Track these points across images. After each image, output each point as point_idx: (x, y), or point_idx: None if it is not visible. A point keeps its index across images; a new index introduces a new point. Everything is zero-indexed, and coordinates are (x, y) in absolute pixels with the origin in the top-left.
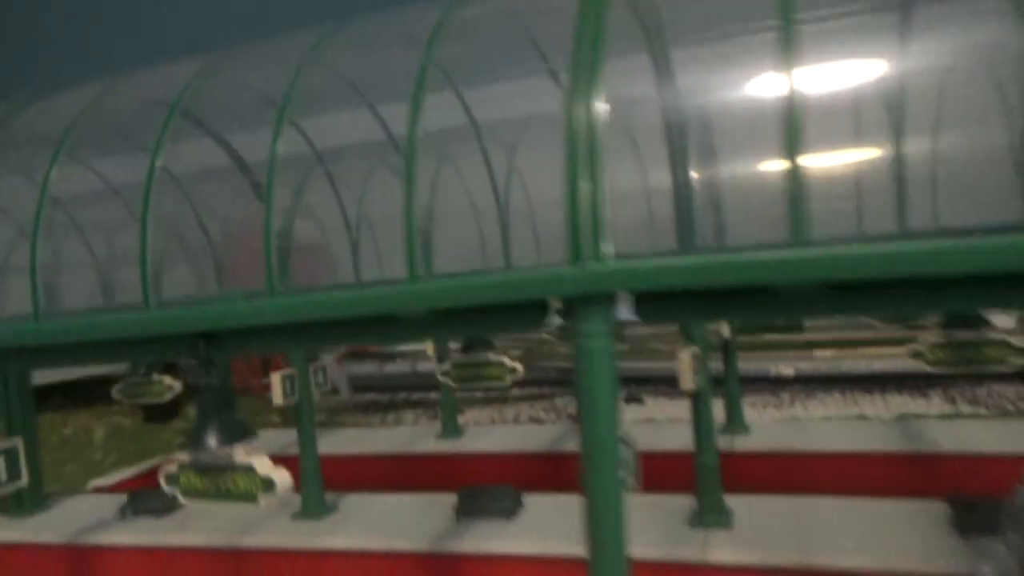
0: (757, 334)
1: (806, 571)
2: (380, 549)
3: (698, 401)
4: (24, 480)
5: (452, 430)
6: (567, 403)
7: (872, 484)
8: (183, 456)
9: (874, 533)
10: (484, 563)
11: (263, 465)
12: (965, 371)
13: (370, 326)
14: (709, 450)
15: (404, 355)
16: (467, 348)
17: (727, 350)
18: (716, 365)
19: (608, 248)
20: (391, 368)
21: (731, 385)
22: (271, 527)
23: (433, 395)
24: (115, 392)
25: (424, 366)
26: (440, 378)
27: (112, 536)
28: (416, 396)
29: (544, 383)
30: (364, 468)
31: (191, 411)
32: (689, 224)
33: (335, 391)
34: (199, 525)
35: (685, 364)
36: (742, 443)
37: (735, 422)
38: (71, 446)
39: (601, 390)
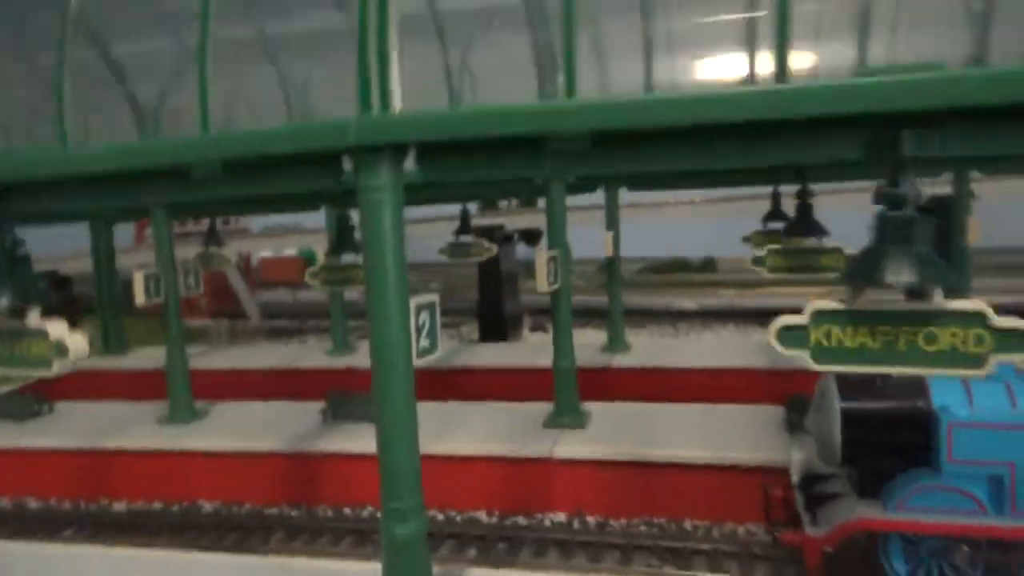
0: (670, 273)
1: (644, 463)
2: (242, 450)
3: (556, 305)
4: None
5: (341, 346)
6: (471, 331)
7: (731, 395)
8: None
9: (714, 432)
10: (346, 461)
11: (57, 329)
12: (801, 278)
13: (161, 180)
14: (566, 356)
15: None
16: (333, 251)
17: (611, 276)
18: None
19: (396, 103)
20: (304, 295)
21: (614, 308)
22: (136, 431)
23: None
24: None
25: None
26: (308, 281)
27: None
28: (327, 323)
29: (457, 313)
30: (251, 381)
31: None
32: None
33: (246, 315)
34: (62, 428)
35: (541, 265)
36: (620, 360)
37: (616, 342)
38: None
39: (387, 245)
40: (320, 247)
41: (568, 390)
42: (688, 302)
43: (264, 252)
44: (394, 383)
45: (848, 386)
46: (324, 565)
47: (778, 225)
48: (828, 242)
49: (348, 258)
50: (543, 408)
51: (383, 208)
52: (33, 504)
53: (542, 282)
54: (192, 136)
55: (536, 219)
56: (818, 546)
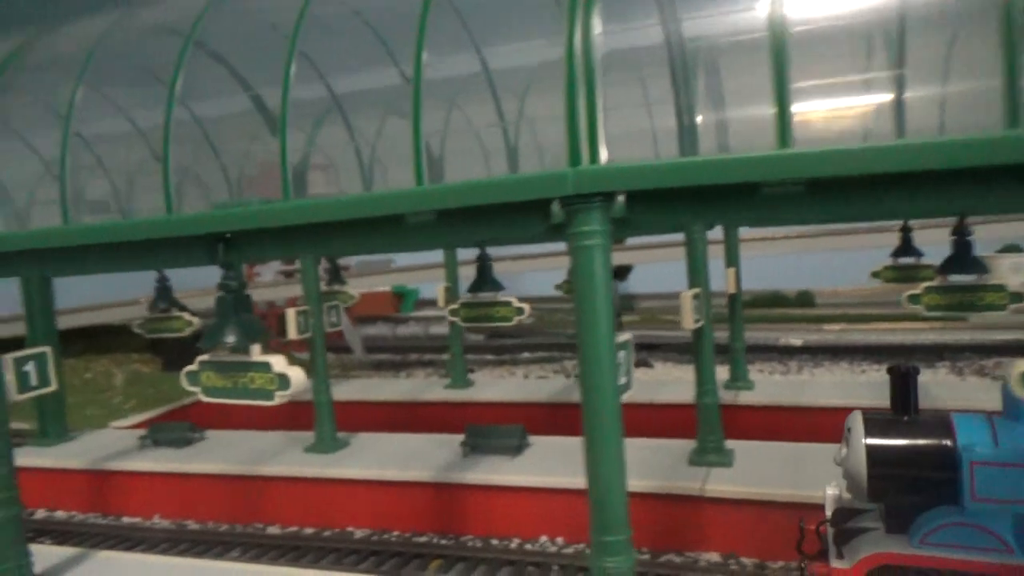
0: (766, 307)
1: (799, 504)
2: (391, 479)
3: (699, 342)
4: (53, 385)
5: (461, 381)
6: (576, 365)
7: None
8: (203, 356)
9: None
10: (490, 494)
11: (279, 363)
12: (960, 315)
13: (378, 228)
14: (709, 392)
15: (417, 319)
16: (476, 288)
17: (732, 313)
18: (722, 334)
19: (603, 153)
20: (403, 330)
21: (737, 345)
22: (284, 459)
23: (445, 356)
24: (136, 327)
25: (436, 328)
26: (448, 317)
27: (133, 463)
28: (428, 357)
29: (554, 347)
30: (377, 413)
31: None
32: (691, 141)
33: (349, 350)
34: (216, 455)
35: (687, 303)
36: (747, 397)
37: (739, 379)
38: (92, 389)
39: (598, 287)
40: (407, 283)
41: (713, 427)
42: (794, 339)
43: (359, 288)
44: (605, 420)
45: (874, 423)
46: None
47: (908, 260)
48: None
49: (487, 296)
50: (684, 445)
51: (595, 252)
52: (192, 525)
53: (688, 320)
54: (410, 188)
55: (621, 256)
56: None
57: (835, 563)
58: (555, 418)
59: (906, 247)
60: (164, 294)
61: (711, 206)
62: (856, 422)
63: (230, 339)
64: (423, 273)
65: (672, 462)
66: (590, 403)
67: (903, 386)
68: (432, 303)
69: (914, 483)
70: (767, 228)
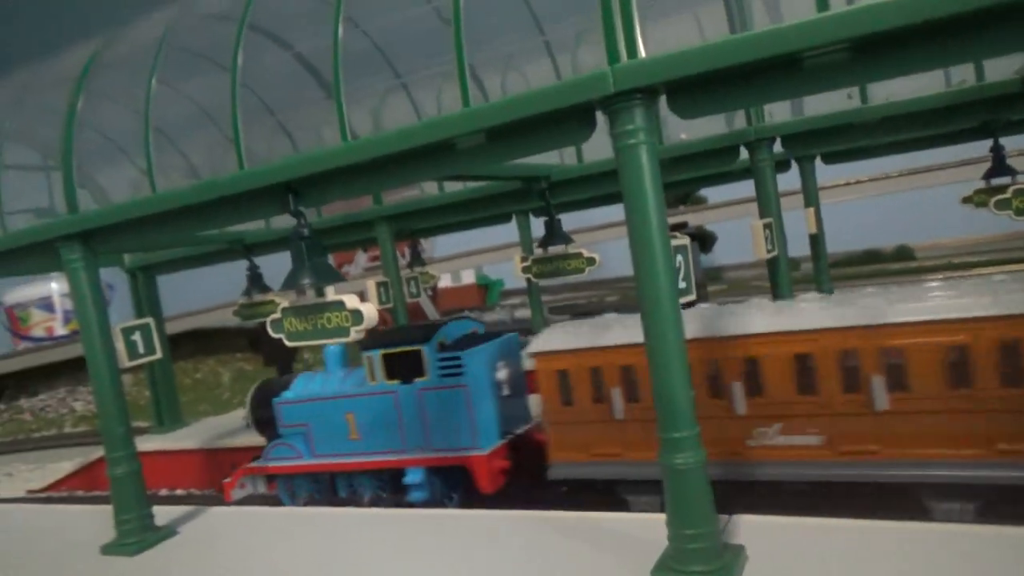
0: (861, 266)
1: None
2: None
3: (775, 273)
4: (158, 353)
5: None
6: None
7: None
8: (283, 303)
9: None
10: None
11: (351, 300)
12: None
13: (431, 157)
14: None
15: (503, 306)
16: (546, 242)
17: (816, 255)
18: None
19: (642, 48)
20: (489, 316)
21: (823, 286)
22: None
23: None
24: (232, 313)
25: (521, 313)
26: (520, 274)
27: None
28: None
29: None
30: None
31: (306, 352)
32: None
33: None
34: None
35: (758, 233)
36: None
37: None
38: (203, 387)
39: (647, 187)
40: (489, 270)
41: None
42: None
43: (444, 281)
44: (663, 320)
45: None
46: None
47: (1003, 180)
48: None
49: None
50: None
51: (640, 150)
52: None
53: (760, 249)
54: (458, 111)
55: (700, 220)
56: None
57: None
58: None
59: (999, 166)
60: (256, 281)
61: (756, 86)
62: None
63: (306, 281)
64: (497, 254)
65: None
66: (648, 306)
67: None
68: (517, 292)
69: (266, 422)
70: (850, 171)
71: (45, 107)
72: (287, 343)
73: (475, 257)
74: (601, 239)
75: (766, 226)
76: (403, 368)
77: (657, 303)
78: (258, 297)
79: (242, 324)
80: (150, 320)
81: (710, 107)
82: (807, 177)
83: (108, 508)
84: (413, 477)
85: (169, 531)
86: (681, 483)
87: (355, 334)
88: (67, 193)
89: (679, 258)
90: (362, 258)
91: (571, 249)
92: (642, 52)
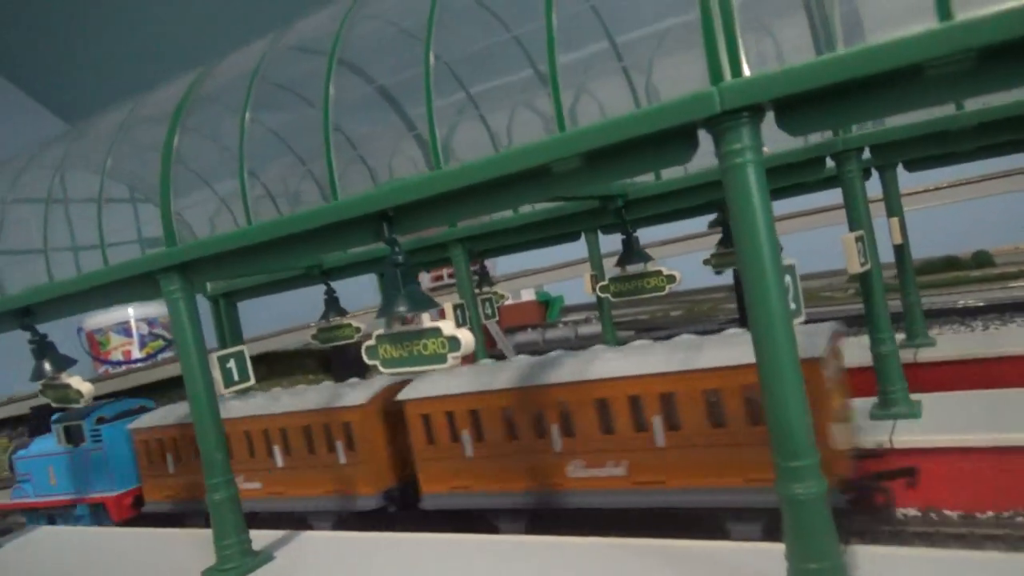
0: (939, 273)
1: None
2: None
3: (868, 288)
4: (252, 380)
5: None
6: None
7: None
8: (378, 330)
9: None
10: None
11: (448, 327)
12: None
13: (528, 181)
14: (886, 340)
15: (565, 322)
16: (624, 261)
17: (901, 265)
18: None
19: (745, 66)
20: (553, 333)
21: (910, 300)
22: None
23: None
24: (311, 337)
25: (585, 329)
26: (599, 295)
27: None
28: None
29: (706, 334)
30: None
31: (374, 374)
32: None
33: (503, 356)
34: None
35: (850, 246)
36: (929, 354)
37: (916, 336)
38: None
39: (756, 207)
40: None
41: (893, 377)
42: (972, 300)
43: (506, 299)
44: (777, 344)
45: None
46: None
47: None
48: None
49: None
50: (861, 403)
51: (748, 169)
52: None
53: (853, 264)
54: (554, 136)
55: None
56: None
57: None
58: None
59: None
60: (333, 304)
61: (873, 99)
62: None
63: (401, 309)
64: (557, 273)
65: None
66: (761, 330)
67: None
68: (576, 308)
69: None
70: (930, 178)
71: (134, 143)
72: (382, 370)
73: (539, 276)
74: (663, 255)
75: (858, 239)
76: (74, 436)
77: (770, 326)
78: (335, 320)
79: (311, 346)
80: (243, 348)
81: (822, 123)
82: (890, 185)
83: (206, 533)
84: (80, 511)
85: (267, 556)
86: (801, 514)
87: (452, 360)
88: (165, 227)
89: (787, 278)
90: (425, 279)
91: (650, 267)
92: (746, 70)
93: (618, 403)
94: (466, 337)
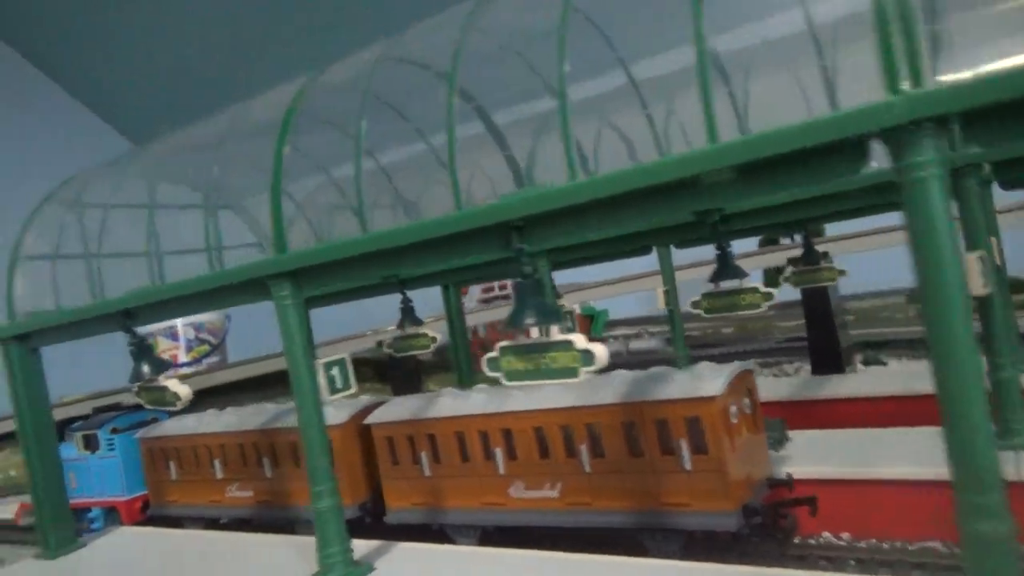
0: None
1: None
2: None
3: (988, 312)
4: (353, 387)
5: None
6: (798, 367)
7: None
8: (503, 342)
9: None
10: None
11: (580, 340)
12: None
13: (672, 193)
14: (1006, 366)
15: (615, 336)
16: (718, 277)
17: (1001, 288)
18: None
19: (928, 79)
20: (636, 344)
21: (1008, 322)
22: None
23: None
24: (385, 347)
25: (636, 344)
26: (692, 309)
27: None
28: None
29: (765, 352)
30: None
31: (430, 385)
32: None
33: None
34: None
35: (972, 267)
36: None
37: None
38: None
39: (940, 227)
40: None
41: (1016, 405)
42: None
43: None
44: (960, 371)
45: None
46: None
47: None
48: None
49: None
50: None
51: (932, 184)
52: None
53: (976, 285)
54: (706, 147)
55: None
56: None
57: None
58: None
59: None
60: (409, 314)
61: None
62: None
63: (530, 321)
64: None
65: None
66: (942, 355)
67: None
68: (622, 323)
69: None
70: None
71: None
72: (505, 383)
73: (584, 292)
74: (705, 274)
75: (980, 259)
76: (90, 443)
77: (952, 352)
78: (412, 330)
79: (367, 355)
80: (346, 355)
81: (1014, 136)
82: (986, 202)
83: (301, 540)
84: (95, 513)
85: (367, 567)
86: (986, 556)
87: (584, 375)
88: (275, 233)
89: None
90: (476, 290)
91: (746, 283)
92: (929, 79)
93: (551, 431)
94: (600, 351)
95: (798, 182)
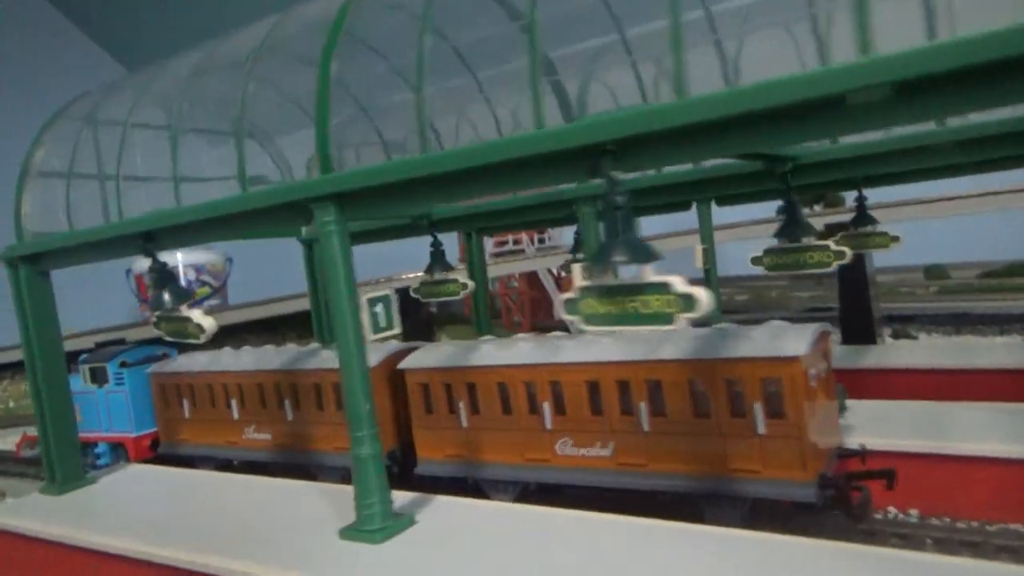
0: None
1: None
2: None
3: None
4: (397, 328)
5: None
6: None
7: None
8: (583, 282)
9: None
10: None
11: (679, 283)
12: None
13: (805, 116)
14: None
15: None
16: (785, 232)
17: None
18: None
19: None
20: None
21: None
22: None
23: None
24: (412, 292)
25: None
26: (751, 264)
27: None
28: None
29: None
30: None
31: (443, 335)
32: None
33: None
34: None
35: None
36: None
37: None
38: None
39: None
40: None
41: None
42: None
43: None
44: None
45: None
46: None
47: None
48: None
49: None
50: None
51: None
52: None
53: None
54: (855, 60)
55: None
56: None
57: None
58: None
59: None
60: (439, 258)
61: None
62: None
63: (619, 258)
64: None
65: None
66: None
67: None
68: None
69: None
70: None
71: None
72: (584, 328)
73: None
74: (719, 240)
75: None
76: (98, 377)
77: None
78: (441, 275)
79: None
80: (389, 291)
81: None
82: None
83: (336, 488)
84: (101, 448)
85: (409, 519)
86: None
87: (680, 322)
88: (320, 153)
89: None
90: (488, 244)
91: (813, 241)
92: None
93: (608, 386)
94: (702, 296)
95: (970, 103)
